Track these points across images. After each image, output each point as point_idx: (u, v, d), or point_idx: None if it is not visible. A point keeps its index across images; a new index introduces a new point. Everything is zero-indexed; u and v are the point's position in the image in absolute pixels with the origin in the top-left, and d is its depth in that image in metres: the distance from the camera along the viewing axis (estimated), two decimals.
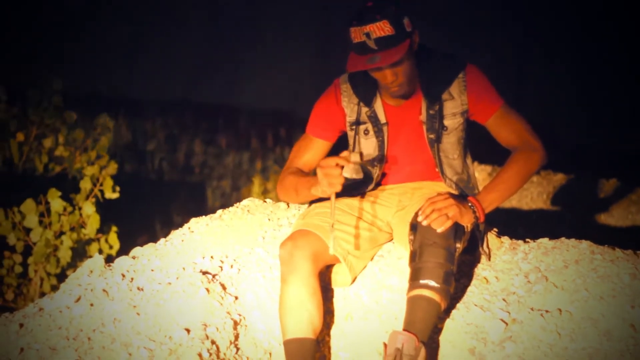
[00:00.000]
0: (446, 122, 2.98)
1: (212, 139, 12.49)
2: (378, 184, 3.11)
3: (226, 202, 10.65)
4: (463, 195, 2.92)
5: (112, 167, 6.10)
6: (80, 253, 5.96)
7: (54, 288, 5.83)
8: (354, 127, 3.04)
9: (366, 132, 3.02)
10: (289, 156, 3.13)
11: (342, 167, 2.68)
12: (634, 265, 2.88)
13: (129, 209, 7.66)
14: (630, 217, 5.92)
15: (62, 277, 5.88)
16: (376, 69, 2.82)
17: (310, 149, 3.08)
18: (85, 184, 5.88)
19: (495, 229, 3.23)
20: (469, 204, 2.83)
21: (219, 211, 3.48)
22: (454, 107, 2.98)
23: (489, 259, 3.08)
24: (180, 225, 3.50)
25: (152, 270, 3.08)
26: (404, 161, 3.06)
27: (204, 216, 3.46)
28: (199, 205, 9.99)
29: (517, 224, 5.53)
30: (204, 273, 3.04)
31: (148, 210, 8.71)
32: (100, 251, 5.93)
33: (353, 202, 3.02)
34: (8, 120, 7.83)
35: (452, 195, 2.80)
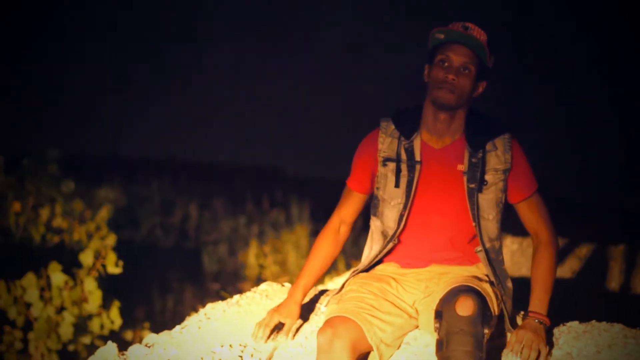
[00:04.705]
0: (487, 177, 2.92)
1: (208, 203, 12.37)
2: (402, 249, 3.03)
3: (223, 267, 10.53)
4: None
5: (111, 239, 5.99)
6: (81, 328, 5.82)
7: None
8: (387, 163, 2.97)
9: (398, 169, 2.95)
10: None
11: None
12: None
13: (128, 278, 7.53)
14: None
15: (63, 353, 5.74)
16: (452, 53, 2.86)
17: (348, 201, 3.08)
18: (87, 259, 5.75)
19: (522, 312, 3.15)
20: (536, 321, 2.83)
21: (236, 296, 3.38)
22: (497, 162, 2.93)
23: None
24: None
25: None
26: (433, 209, 2.95)
27: (220, 301, 3.37)
28: (196, 271, 9.85)
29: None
30: None
31: (147, 279, 8.58)
32: (102, 326, 5.80)
33: (384, 286, 2.93)
34: (5, 190, 7.75)
35: (522, 328, 2.79)
